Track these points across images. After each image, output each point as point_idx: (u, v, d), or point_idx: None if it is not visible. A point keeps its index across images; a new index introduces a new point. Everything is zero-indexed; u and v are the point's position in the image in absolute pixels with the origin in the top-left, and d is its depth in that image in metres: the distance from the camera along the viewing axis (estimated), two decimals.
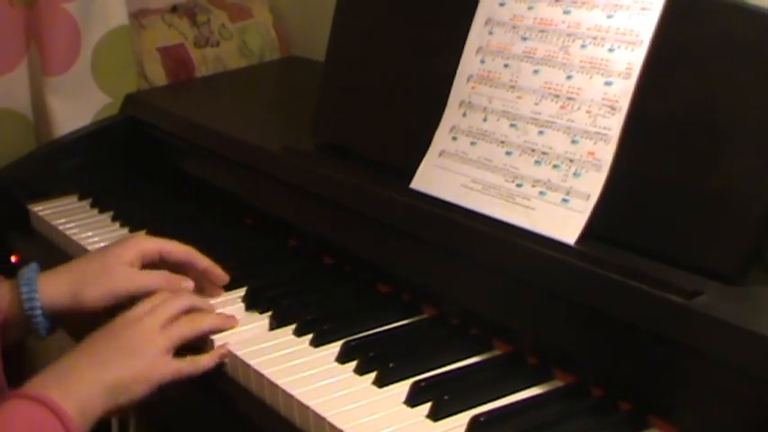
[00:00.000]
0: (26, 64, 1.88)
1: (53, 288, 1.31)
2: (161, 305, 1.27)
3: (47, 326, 1.32)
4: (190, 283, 1.36)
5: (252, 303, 1.36)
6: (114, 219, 1.72)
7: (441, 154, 1.33)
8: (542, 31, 1.26)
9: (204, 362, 1.25)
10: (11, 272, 1.39)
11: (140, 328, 1.24)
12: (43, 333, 1.32)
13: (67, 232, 1.68)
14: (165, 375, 1.22)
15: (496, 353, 1.22)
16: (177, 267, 1.39)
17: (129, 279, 1.33)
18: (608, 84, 1.18)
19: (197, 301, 1.32)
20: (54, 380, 1.17)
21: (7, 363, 1.29)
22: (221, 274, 1.40)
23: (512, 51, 1.29)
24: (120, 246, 1.37)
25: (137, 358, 1.21)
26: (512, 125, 1.26)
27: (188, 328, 1.27)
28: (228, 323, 1.30)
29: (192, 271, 1.39)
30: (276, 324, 1.31)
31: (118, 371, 1.19)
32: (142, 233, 1.40)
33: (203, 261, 1.40)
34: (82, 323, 1.33)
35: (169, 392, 1.22)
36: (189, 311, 1.29)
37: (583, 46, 1.22)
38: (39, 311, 1.30)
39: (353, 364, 1.20)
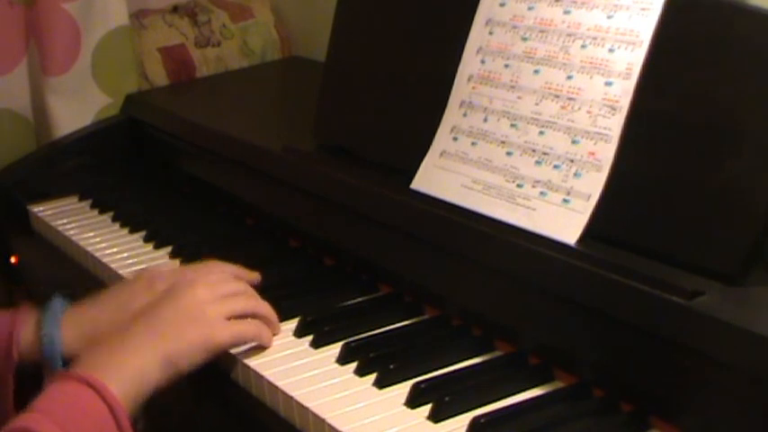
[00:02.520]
0: (26, 64, 1.88)
1: (73, 340, 1.29)
2: (219, 283, 1.28)
3: (63, 368, 1.32)
4: None
5: None
6: (115, 219, 1.71)
7: (441, 154, 1.32)
8: (543, 31, 1.26)
9: (267, 333, 1.26)
10: (10, 273, 1.39)
11: (197, 295, 1.24)
12: (59, 370, 1.32)
13: (68, 233, 1.68)
14: (225, 340, 1.22)
15: (497, 354, 1.22)
16: None
17: None
18: (608, 84, 1.18)
19: (251, 290, 1.31)
20: (105, 356, 1.16)
21: (24, 392, 1.28)
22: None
23: (512, 51, 1.28)
24: (139, 299, 1.32)
25: (195, 324, 1.21)
26: (512, 125, 1.26)
27: (244, 305, 1.26)
28: (275, 327, 1.30)
29: None
30: None
31: (176, 340, 1.18)
32: (159, 273, 1.38)
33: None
34: None
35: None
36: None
37: (583, 46, 1.22)
38: (59, 360, 1.28)
39: (354, 365, 1.20)
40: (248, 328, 1.25)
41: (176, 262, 1.53)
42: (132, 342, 1.18)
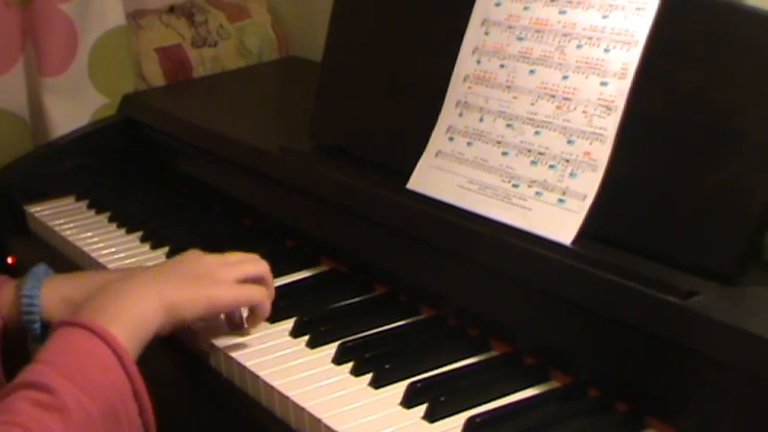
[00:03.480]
0: (22, 65, 1.88)
1: (52, 300, 1.29)
2: (229, 255, 1.30)
3: (44, 334, 1.32)
4: None
5: None
6: (111, 220, 1.72)
7: (437, 154, 1.32)
8: (538, 31, 1.26)
9: (268, 305, 1.27)
10: (7, 273, 1.38)
11: (207, 260, 1.26)
12: (40, 339, 1.32)
13: (64, 233, 1.68)
14: (227, 298, 1.23)
15: (493, 353, 1.22)
16: None
17: None
18: (604, 84, 1.18)
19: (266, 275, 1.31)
20: (108, 300, 1.17)
21: (11, 358, 1.28)
22: None
23: (508, 51, 1.29)
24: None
25: (200, 280, 1.22)
26: (508, 125, 1.26)
27: (254, 268, 1.28)
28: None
29: None
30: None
31: (179, 289, 1.20)
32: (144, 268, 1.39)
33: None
34: None
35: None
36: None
37: (579, 46, 1.22)
38: (38, 324, 1.28)
39: (350, 365, 1.20)
40: (254, 291, 1.26)
41: None
42: (135, 288, 1.19)
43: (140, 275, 1.23)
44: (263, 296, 1.26)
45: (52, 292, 1.29)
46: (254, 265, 1.29)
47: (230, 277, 1.25)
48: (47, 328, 1.31)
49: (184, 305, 1.19)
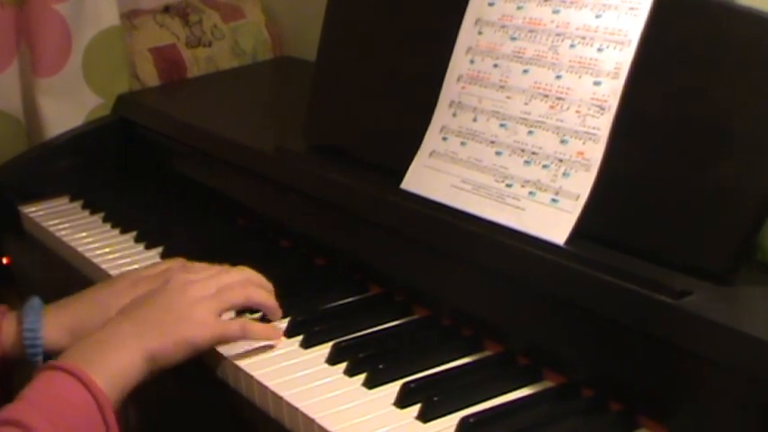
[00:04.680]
0: (17, 65, 1.88)
1: (54, 333, 1.31)
2: (216, 275, 1.28)
3: (44, 362, 1.33)
4: None
5: None
6: (106, 220, 1.71)
7: (431, 154, 1.32)
8: (531, 30, 1.26)
9: (256, 329, 1.25)
10: (2, 273, 1.39)
11: (189, 295, 1.24)
12: (39, 366, 1.33)
13: (59, 234, 1.68)
14: (208, 339, 1.22)
15: (487, 354, 1.22)
16: None
17: None
18: (597, 83, 1.18)
19: (254, 276, 1.31)
20: (92, 349, 1.18)
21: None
22: None
23: (501, 51, 1.29)
24: (120, 296, 1.34)
25: (181, 324, 1.21)
26: (501, 125, 1.26)
27: (238, 295, 1.26)
28: (275, 313, 1.30)
29: None
30: None
31: (161, 337, 1.20)
32: (142, 277, 1.39)
33: None
34: None
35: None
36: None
37: (572, 46, 1.22)
38: (40, 354, 1.30)
39: (343, 365, 1.20)
40: (232, 329, 1.24)
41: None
42: (117, 337, 1.19)
43: (122, 324, 1.22)
44: (240, 333, 1.25)
45: (53, 324, 1.31)
46: (240, 292, 1.27)
47: (212, 313, 1.24)
48: (48, 358, 1.32)
49: (165, 353, 1.19)
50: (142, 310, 1.23)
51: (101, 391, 1.12)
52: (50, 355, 1.33)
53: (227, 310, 1.26)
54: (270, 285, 1.31)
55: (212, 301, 1.24)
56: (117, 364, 1.16)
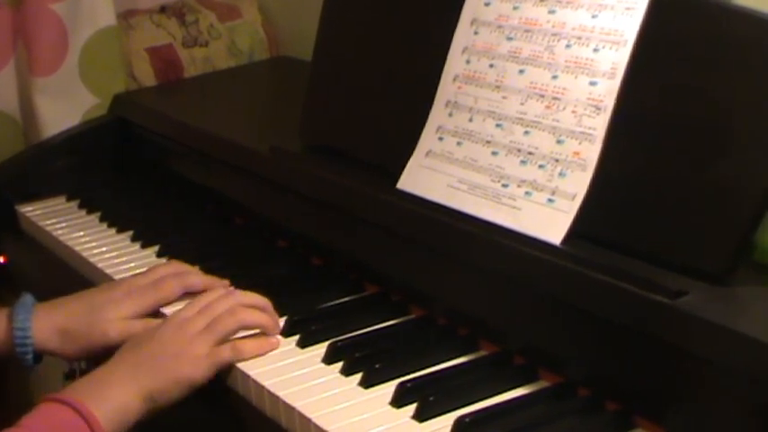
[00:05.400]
0: (13, 65, 1.88)
1: (45, 331, 1.32)
2: (211, 305, 1.27)
3: (34, 361, 1.35)
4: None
5: None
6: (102, 219, 1.71)
7: (427, 154, 1.33)
8: (527, 30, 1.26)
9: (248, 348, 1.25)
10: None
11: (184, 331, 1.24)
12: (30, 367, 1.35)
13: (56, 233, 1.68)
14: (205, 374, 1.22)
15: (483, 353, 1.22)
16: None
17: (115, 331, 1.33)
18: (593, 83, 1.18)
19: (244, 298, 1.30)
20: (91, 386, 1.19)
21: None
22: (223, 284, 1.40)
23: (497, 51, 1.29)
24: (113, 301, 1.35)
25: (177, 362, 1.22)
26: (497, 125, 1.26)
27: (231, 323, 1.26)
28: (272, 328, 1.29)
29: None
30: None
31: (158, 377, 1.20)
32: (136, 284, 1.40)
33: (199, 285, 1.39)
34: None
35: None
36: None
37: (568, 46, 1.22)
38: (30, 355, 1.32)
39: (340, 364, 1.20)
40: (224, 355, 1.23)
41: (162, 261, 1.52)
42: (115, 377, 1.20)
43: (120, 366, 1.22)
44: (234, 357, 1.24)
45: (44, 323, 1.33)
46: (231, 321, 1.26)
47: (206, 348, 1.23)
48: (38, 356, 1.33)
49: (163, 393, 1.20)
50: (138, 352, 1.24)
51: (94, 418, 1.13)
52: (41, 353, 1.33)
53: (222, 339, 1.25)
54: (263, 301, 1.30)
55: (206, 336, 1.24)
56: (116, 401, 1.17)
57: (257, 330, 1.28)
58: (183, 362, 1.22)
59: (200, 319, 1.25)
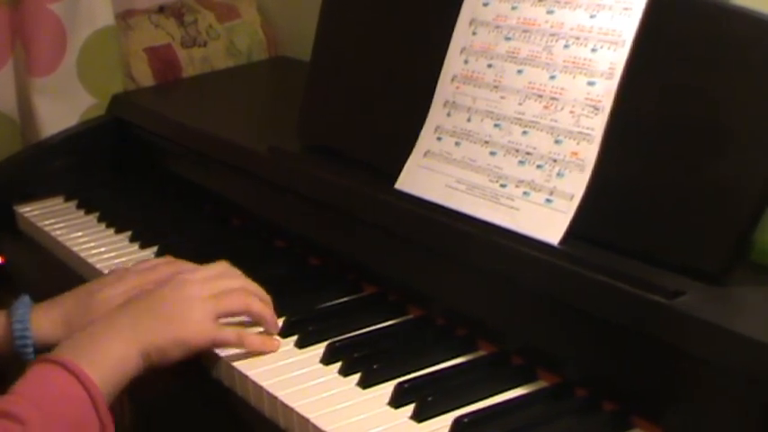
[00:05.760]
0: (12, 65, 1.88)
1: (44, 327, 1.31)
2: (216, 278, 1.27)
3: (35, 357, 1.32)
4: None
5: None
6: (100, 220, 1.71)
7: (425, 154, 1.33)
8: (526, 31, 1.26)
9: (250, 340, 1.24)
10: None
11: (188, 293, 1.24)
12: (31, 360, 1.33)
13: (54, 233, 1.68)
14: (204, 342, 1.22)
15: (481, 353, 1.22)
16: None
17: None
18: (591, 84, 1.18)
19: (251, 286, 1.30)
20: (87, 341, 1.18)
21: None
22: None
23: (495, 51, 1.29)
24: (108, 287, 1.35)
25: (178, 323, 1.21)
26: (496, 125, 1.26)
27: (238, 303, 1.26)
28: (270, 326, 1.28)
29: None
30: None
31: (157, 334, 1.19)
32: (129, 270, 1.40)
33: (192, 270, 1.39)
34: None
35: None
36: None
37: (566, 46, 1.22)
38: (30, 348, 1.31)
39: (338, 365, 1.20)
40: (228, 336, 1.24)
41: None
42: (112, 329, 1.19)
43: (119, 317, 1.22)
44: (236, 341, 1.24)
45: (44, 319, 1.32)
46: (239, 299, 1.26)
47: (210, 316, 1.23)
48: (39, 353, 1.32)
49: (160, 350, 1.19)
50: (139, 303, 1.23)
51: (94, 385, 1.12)
52: (43, 349, 1.33)
53: (225, 315, 1.25)
54: (268, 297, 1.30)
55: (210, 303, 1.24)
56: (112, 356, 1.16)
57: (258, 329, 1.28)
58: (187, 324, 1.21)
59: (205, 285, 1.25)
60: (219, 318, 1.25)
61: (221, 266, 1.32)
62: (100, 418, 1.11)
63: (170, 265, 1.38)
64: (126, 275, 1.36)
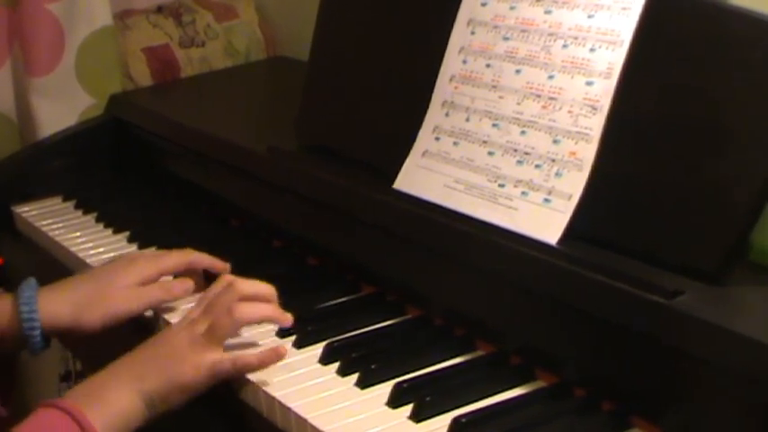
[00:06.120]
0: (10, 65, 1.88)
1: (53, 309, 1.30)
2: (210, 306, 1.23)
3: (42, 344, 1.32)
4: (189, 285, 1.36)
5: None
6: (98, 220, 1.71)
7: (424, 154, 1.33)
8: (524, 30, 1.26)
9: (248, 362, 1.20)
10: None
11: (189, 334, 1.21)
12: (37, 350, 1.32)
13: (52, 234, 1.68)
14: (206, 383, 1.19)
15: (479, 353, 1.22)
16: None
17: (130, 300, 1.33)
18: (589, 83, 1.18)
19: (247, 289, 1.25)
20: (90, 389, 1.17)
21: None
22: (224, 267, 1.40)
23: (494, 51, 1.29)
24: (118, 271, 1.36)
25: (180, 366, 1.18)
26: (494, 125, 1.26)
27: (229, 323, 1.21)
28: (279, 318, 1.25)
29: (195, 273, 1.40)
30: None
31: (160, 379, 1.17)
32: (139, 254, 1.40)
33: (203, 262, 1.40)
34: (78, 337, 1.34)
35: None
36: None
37: (564, 46, 1.22)
38: (38, 332, 1.29)
39: (336, 365, 1.20)
40: (224, 368, 1.19)
41: None
42: (116, 378, 1.17)
43: (122, 367, 1.19)
44: (234, 370, 1.20)
45: (52, 302, 1.31)
46: (228, 322, 1.21)
47: (208, 353, 1.19)
48: (46, 339, 1.32)
49: (163, 398, 1.17)
50: (143, 353, 1.21)
51: (90, 425, 1.10)
52: (50, 332, 1.31)
53: (224, 340, 1.22)
54: (266, 289, 1.26)
55: (206, 340, 1.20)
56: (116, 405, 1.14)
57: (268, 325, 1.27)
58: (185, 367, 1.18)
59: (205, 320, 1.22)
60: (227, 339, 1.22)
61: (221, 280, 1.28)
62: None
63: (180, 252, 1.38)
64: (137, 260, 1.36)
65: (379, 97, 1.43)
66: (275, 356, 1.21)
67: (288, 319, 1.25)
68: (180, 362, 1.19)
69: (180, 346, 1.20)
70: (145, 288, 1.35)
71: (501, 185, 1.23)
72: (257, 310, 1.24)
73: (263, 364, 1.20)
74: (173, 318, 1.34)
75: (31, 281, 1.33)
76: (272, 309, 1.26)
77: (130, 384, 1.16)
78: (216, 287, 1.27)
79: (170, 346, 1.21)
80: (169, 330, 1.24)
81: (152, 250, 1.41)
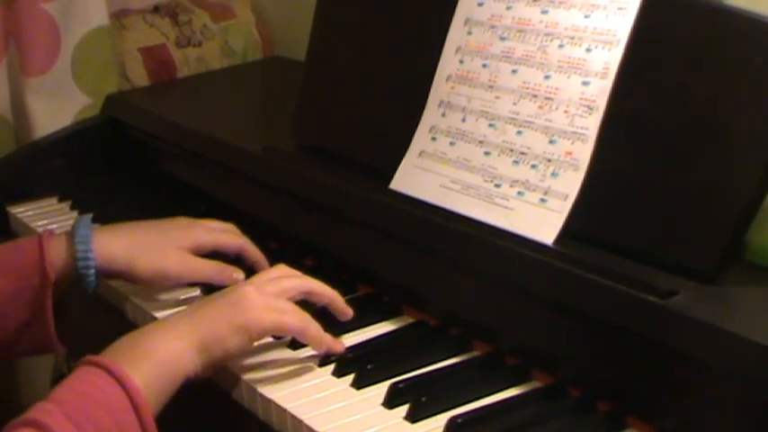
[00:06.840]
0: (5, 65, 1.87)
1: (109, 250, 1.29)
2: (277, 279, 1.21)
3: (96, 283, 1.30)
4: (240, 275, 1.35)
5: None
6: (95, 220, 1.70)
7: (420, 154, 1.32)
8: (520, 30, 1.26)
9: (314, 331, 1.18)
10: None
11: (253, 289, 1.18)
12: (91, 289, 1.31)
13: None
14: (266, 327, 1.16)
15: (475, 354, 1.22)
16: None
17: (184, 264, 1.33)
18: (585, 83, 1.18)
19: (315, 286, 1.24)
20: (134, 342, 1.11)
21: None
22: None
23: (490, 51, 1.29)
24: (179, 230, 1.36)
25: (240, 306, 1.14)
26: (490, 125, 1.26)
27: (297, 283, 1.21)
28: (344, 312, 1.25)
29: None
30: None
31: (214, 324, 1.13)
32: (196, 221, 1.40)
33: (254, 255, 1.40)
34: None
35: None
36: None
37: (560, 46, 1.22)
38: (93, 271, 1.27)
39: (332, 366, 1.20)
40: (291, 320, 1.17)
41: None
42: (164, 329, 1.14)
43: (172, 319, 1.16)
44: (300, 326, 1.18)
45: (107, 242, 1.30)
46: (300, 282, 1.22)
47: (269, 301, 1.17)
48: (101, 276, 1.30)
49: (218, 341, 1.13)
50: (198, 304, 1.18)
51: (136, 389, 1.05)
52: (104, 273, 1.30)
53: (287, 296, 1.20)
54: (332, 292, 1.25)
55: (274, 298, 1.18)
56: (162, 357, 1.09)
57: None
58: (247, 306, 1.14)
59: (273, 284, 1.19)
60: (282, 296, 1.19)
61: (279, 270, 1.26)
62: (142, 425, 1.04)
63: (238, 238, 1.40)
64: (196, 226, 1.37)
65: (375, 97, 1.43)
66: (332, 343, 1.20)
67: (349, 313, 1.25)
68: (240, 303, 1.15)
69: (248, 292, 1.17)
70: (203, 261, 1.35)
71: (497, 185, 1.23)
72: (326, 288, 1.24)
73: (321, 341, 1.19)
74: (160, 313, 1.34)
75: (86, 219, 1.32)
76: (339, 296, 1.25)
77: (184, 332, 1.12)
78: (279, 270, 1.25)
79: (235, 294, 1.17)
80: (233, 288, 1.20)
81: (211, 221, 1.42)
